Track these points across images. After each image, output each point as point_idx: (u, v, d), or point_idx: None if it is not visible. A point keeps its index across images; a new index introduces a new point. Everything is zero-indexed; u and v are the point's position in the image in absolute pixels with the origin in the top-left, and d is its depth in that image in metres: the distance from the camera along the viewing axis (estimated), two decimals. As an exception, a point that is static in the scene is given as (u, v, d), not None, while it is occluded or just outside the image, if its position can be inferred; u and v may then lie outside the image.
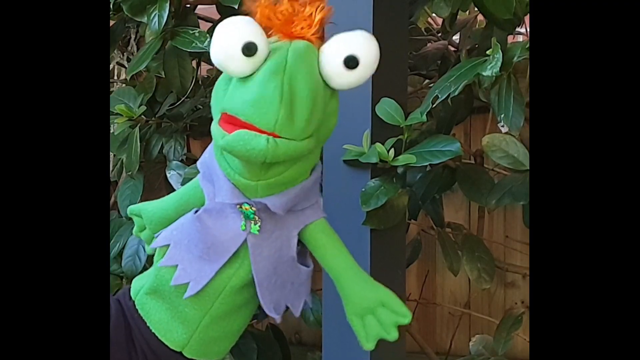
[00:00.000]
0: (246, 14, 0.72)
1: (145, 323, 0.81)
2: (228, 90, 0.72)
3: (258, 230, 0.76)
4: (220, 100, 0.72)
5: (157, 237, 0.83)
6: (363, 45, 0.71)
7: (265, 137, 0.67)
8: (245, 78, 0.70)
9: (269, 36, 0.71)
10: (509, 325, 1.16)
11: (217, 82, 0.74)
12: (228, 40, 0.70)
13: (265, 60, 0.69)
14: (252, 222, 0.76)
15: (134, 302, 0.82)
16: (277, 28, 0.72)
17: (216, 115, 0.72)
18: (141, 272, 0.99)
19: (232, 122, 0.70)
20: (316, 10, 0.71)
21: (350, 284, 0.77)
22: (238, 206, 0.75)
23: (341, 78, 0.71)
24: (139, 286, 0.83)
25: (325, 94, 0.72)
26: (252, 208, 0.75)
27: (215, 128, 0.71)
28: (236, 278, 0.78)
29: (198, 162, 0.80)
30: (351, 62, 0.70)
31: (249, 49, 0.69)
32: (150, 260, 1.21)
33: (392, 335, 0.75)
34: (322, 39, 0.73)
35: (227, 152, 0.71)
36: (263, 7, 0.72)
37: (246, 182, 0.73)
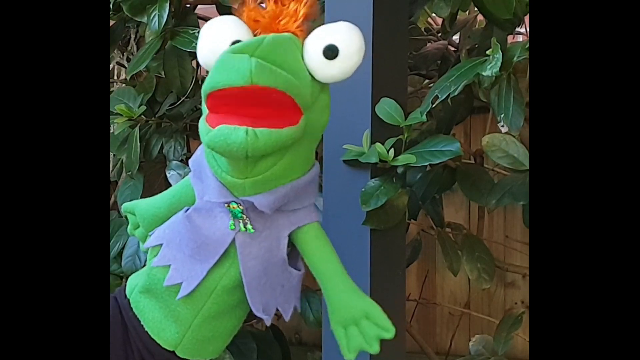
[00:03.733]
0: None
1: (140, 321, 0.81)
2: None
3: (252, 230, 0.75)
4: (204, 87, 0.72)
5: (150, 235, 0.83)
6: (343, 35, 0.71)
7: (244, 130, 0.66)
8: None
9: (255, 35, 0.72)
10: (509, 325, 1.16)
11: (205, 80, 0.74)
12: (216, 39, 0.70)
13: None
14: (242, 221, 0.75)
15: (128, 300, 0.82)
16: (263, 27, 0.72)
17: (204, 109, 0.72)
18: (141, 272, 0.99)
19: (215, 101, 0.69)
20: (301, 5, 0.72)
21: (336, 292, 0.76)
22: (226, 205, 0.75)
23: (323, 69, 0.71)
24: (133, 284, 0.83)
25: (313, 87, 0.71)
26: (240, 207, 0.74)
27: (201, 124, 0.70)
28: (227, 278, 0.78)
29: (190, 160, 0.80)
30: (330, 52, 0.70)
31: None
32: (150, 260, 1.21)
33: (374, 348, 0.74)
34: (307, 34, 0.73)
35: (210, 149, 0.70)
36: (249, 9, 0.72)
37: (233, 180, 0.73)
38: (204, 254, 0.77)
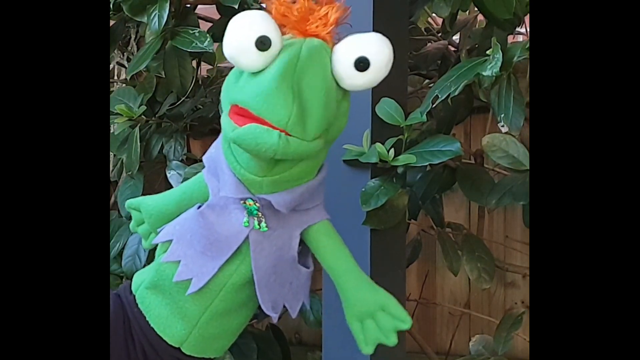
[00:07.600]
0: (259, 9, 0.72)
1: (145, 318, 0.81)
2: (239, 83, 0.71)
3: (266, 228, 0.76)
4: (231, 91, 0.72)
5: (159, 232, 0.82)
6: (375, 47, 0.71)
7: (277, 133, 0.67)
8: (258, 72, 0.70)
9: (283, 33, 0.71)
10: (509, 325, 1.15)
11: (228, 75, 0.74)
12: (242, 34, 0.70)
13: (279, 55, 0.70)
14: (257, 219, 0.76)
15: (134, 296, 0.82)
16: (292, 25, 0.72)
17: (226, 107, 0.72)
18: (141, 271, 0.99)
19: (243, 114, 0.69)
20: (332, 9, 0.72)
21: (350, 286, 0.77)
22: (242, 202, 0.75)
23: (352, 79, 0.71)
24: (139, 281, 0.83)
25: (337, 95, 0.72)
26: (256, 204, 0.75)
27: (225, 120, 0.71)
28: (237, 275, 0.78)
29: (204, 157, 0.80)
30: (362, 64, 0.70)
31: (263, 43, 0.69)
32: (150, 260, 1.21)
33: (391, 340, 0.75)
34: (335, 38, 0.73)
35: (237, 144, 0.71)
36: (279, 4, 0.72)
37: (252, 177, 0.73)
38: (216, 250, 0.77)
